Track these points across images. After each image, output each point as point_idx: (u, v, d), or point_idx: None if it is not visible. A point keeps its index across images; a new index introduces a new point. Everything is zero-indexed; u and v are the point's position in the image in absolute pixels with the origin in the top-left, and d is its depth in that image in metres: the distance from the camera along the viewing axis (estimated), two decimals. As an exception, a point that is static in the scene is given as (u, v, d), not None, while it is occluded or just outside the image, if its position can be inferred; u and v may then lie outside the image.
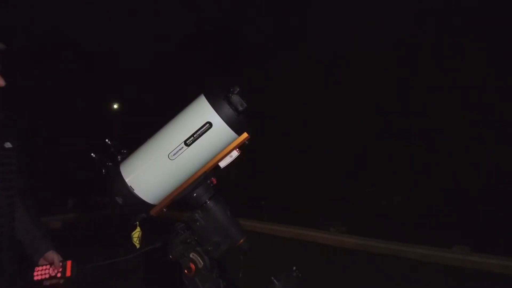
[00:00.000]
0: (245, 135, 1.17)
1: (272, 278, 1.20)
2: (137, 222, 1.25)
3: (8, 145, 1.60)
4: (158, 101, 8.72)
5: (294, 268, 1.26)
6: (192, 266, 1.19)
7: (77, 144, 7.51)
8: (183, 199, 1.24)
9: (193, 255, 1.21)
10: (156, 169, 1.15)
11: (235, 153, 1.21)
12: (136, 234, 1.27)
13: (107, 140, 1.23)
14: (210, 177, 1.25)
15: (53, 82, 8.89)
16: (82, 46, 9.31)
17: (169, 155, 1.12)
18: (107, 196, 1.18)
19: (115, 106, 11.26)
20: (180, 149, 1.11)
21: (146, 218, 1.23)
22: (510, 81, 5.60)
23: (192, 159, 1.14)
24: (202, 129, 1.10)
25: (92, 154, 1.23)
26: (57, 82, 8.96)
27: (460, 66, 5.93)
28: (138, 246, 1.27)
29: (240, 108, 1.11)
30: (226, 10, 8.39)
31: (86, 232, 6.49)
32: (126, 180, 1.14)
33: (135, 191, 1.14)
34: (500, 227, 5.25)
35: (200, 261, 1.20)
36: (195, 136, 1.10)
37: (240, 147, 1.20)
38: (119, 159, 1.20)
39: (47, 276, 1.51)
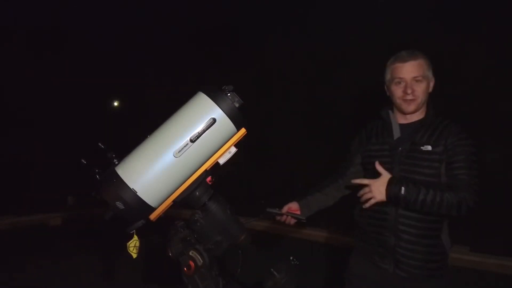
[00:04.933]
0: (243, 130, 1.21)
1: (272, 270, 1.21)
2: (134, 231, 1.19)
3: (426, 148, 1.78)
4: (154, 100, 8.70)
5: (292, 257, 1.28)
6: (192, 264, 1.19)
7: (78, 141, 7.50)
8: (183, 201, 1.23)
9: (192, 253, 1.20)
10: (161, 168, 1.12)
11: (233, 149, 1.23)
12: (133, 243, 1.23)
13: (100, 144, 1.21)
14: (209, 176, 1.26)
15: (53, 79, 8.88)
16: (81, 42, 9.29)
17: (174, 153, 1.11)
18: (105, 202, 1.12)
19: (115, 104, 11.26)
20: (185, 146, 1.11)
21: (144, 225, 1.18)
22: (510, 81, 5.61)
23: (196, 155, 1.15)
24: (206, 124, 1.12)
25: (83, 160, 1.19)
26: (57, 79, 8.96)
27: (461, 65, 5.92)
28: (135, 256, 1.24)
29: (237, 105, 1.15)
30: (225, 8, 8.37)
31: (86, 229, 6.50)
32: (128, 183, 1.10)
33: (138, 193, 1.10)
34: (500, 227, 5.25)
35: (200, 259, 1.19)
36: (199, 132, 1.11)
37: (237, 144, 1.23)
38: (116, 162, 1.16)
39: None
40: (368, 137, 2.01)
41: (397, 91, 1.84)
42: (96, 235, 5.66)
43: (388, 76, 1.90)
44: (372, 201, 1.71)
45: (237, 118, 1.16)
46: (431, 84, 1.87)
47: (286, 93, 7.98)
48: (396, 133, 1.88)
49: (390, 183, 1.68)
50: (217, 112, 1.13)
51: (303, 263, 1.32)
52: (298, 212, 2.02)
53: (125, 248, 1.23)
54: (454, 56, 5.92)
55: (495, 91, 5.72)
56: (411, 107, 1.83)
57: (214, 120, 1.13)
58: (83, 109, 9.07)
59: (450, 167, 1.73)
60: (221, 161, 1.24)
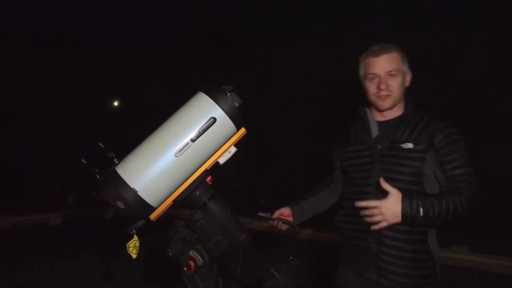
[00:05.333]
0: (243, 130, 1.22)
1: (272, 269, 1.21)
2: (134, 231, 1.19)
3: (407, 145, 1.66)
4: (154, 100, 8.71)
5: (291, 257, 1.28)
6: (192, 264, 1.19)
7: (78, 141, 7.51)
8: (183, 200, 1.23)
9: (192, 253, 1.20)
10: (162, 168, 1.12)
11: (233, 149, 1.24)
12: (133, 243, 1.22)
13: (100, 144, 1.21)
14: (209, 176, 1.26)
15: (52, 77, 8.89)
16: (81, 41, 9.30)
17: (175, 152, 1.12)
18: (105, 202, 1.12)
19: (115, 104, 11.27)
20: (185, 145, 1.12)
21: (144, 225, 1.18)
22: (510, 81, 5.61)
23: (197, 154, 1.15)
24: (206, 124, 1.13)
25: (83, 160, 1.18)
26: (56, 77, 8.96)
27: (461, 65, 5.92)
28: (134, 256, 1.23)
29: (237, 104, 1.16)
30: (225, 8, 8.37)
31: (86, 229, 6.50)
32: (129, 183, 1.10)
33: (139, 193, 1.10)
34: (500, 227, 5.25)
35: (200, 258, 1.19)
36: (200, 131, 1.12)
37: (237, 143, 1.24)
38: (116, 162, 1.16)
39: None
40: (346, 139, 1.90)
41: (371, 88, 1.73)
42: (96, 235, 5.66)
43: (361, 72, 1.78)
44: (384, 224, 1.53)
45: (237, 117, 1.17)
46: (408, 78, 1.75)
47: (286, 93, 7.98)
48: (375, 131, 1.77)
49: (403, 204, 1.50)
50: (218, 112, 1.14)
51: (302, 263, 1.32)
52: (290, 218, 1.96)
53: (125, 248, 1.22)
54: (454, 56, 5.92)
55: (495, 91, 5.71)
56: (386, 103, 1.71)
57: (214, 120, 1.14)
58: (83, 109, 9.07)
59: (446, 168, 1.62)
60: (221, 160, 1.24)
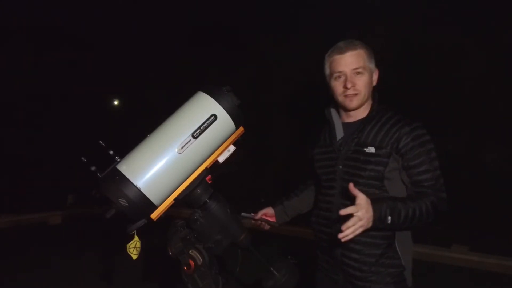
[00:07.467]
0: (241, 129, 1.26)
1: (272, 269, 1.21)
2: (135, 231, 1.18)
3: (370, 150, 1.60)
4: (154, 100, 8.71)
5: (289, 257, 1.29)
6: (192, 263, 1.19)
7: (78, 140, 7.51)
8: (184, 199, 1.23)
9: (192, 252, 1.21)
10: (165, 165, 1.13)
11: (232, 148, 1.27)
12: (133, 244, 1.22)
13: (100, 142, 1.20)
14: (209, 175, 1.27)
15: (53, 79, 8.89)
16: (81, 40, 9.30)
17: (178, 149, 1.13)
18: (107, 200, 1.12)
19: (115, 103, 11.26)
20: (187, 142, 1.13)
21: (145, 224, 1.17)
22: (510, 81, 5.61)
23: (198, 152, 1.17)
24: (208, 121, 1.15)
25: (83, 159, 1.18)
26: (57, 78, 8.96)
27: (461, 65, 5.93)
28: (135, 257, 1.23)
29: (236, 103, 1.20)
30: (225, 8, 8.37)
31: (85, 228, 6.50)
32: (132, 180, 1.10)
33: (142, 190, 1.10)
34: (500, 227, 5.25)
35: (200, 258, 1.20)
36: (201, 128, 1.15)
37: (235, 142, 1.27)
38: (117, 160, 1.16)
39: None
40: (317, 141, 1.88)
41: (337, 87, 1.66)
42: (96, 234, 5.66)
43: (327, 71, 1.72)
44: (359, 231, 1.37)
45: (236, 116, 1.20)
46: (375, 77, 1.70)
47: (286, 93, 7.98)
48: (339, 133, 1.73)
49: (374, 209, 1.38)
50: (218, 109, 1.17)
51: (302, 262, 1.32)
52: (273, 218, 1.99)
53: (125, 247, 1.22)
54: (454, 56, 5.92)
55: (495, 91, 5.72)
56: (353, 103, 1.64)
57: (215, 117, 1.16)
58: (83, 108, 9.08)
59: (412, 173, 1.56)
60: (221, 159, 1.27)
